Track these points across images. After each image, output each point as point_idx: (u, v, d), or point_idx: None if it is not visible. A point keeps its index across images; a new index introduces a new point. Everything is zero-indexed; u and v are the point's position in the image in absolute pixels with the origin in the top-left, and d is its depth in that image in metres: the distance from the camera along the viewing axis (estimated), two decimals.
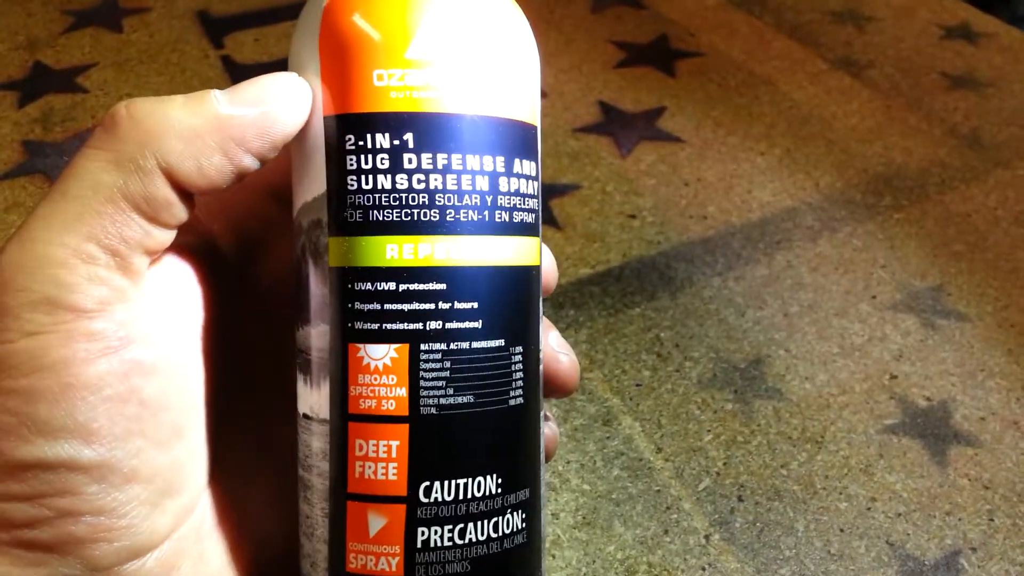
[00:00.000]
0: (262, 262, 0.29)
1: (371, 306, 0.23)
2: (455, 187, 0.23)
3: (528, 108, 0.25)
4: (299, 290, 0.25)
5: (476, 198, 0.23)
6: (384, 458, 0.23)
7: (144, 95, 0.79)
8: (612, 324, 0.63)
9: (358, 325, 0.23)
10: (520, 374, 0.24)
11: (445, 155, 0.23)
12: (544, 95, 0.87)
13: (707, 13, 1.01)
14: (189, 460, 0.25)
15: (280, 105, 0.23)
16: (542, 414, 0.26)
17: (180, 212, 0.23)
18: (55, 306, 0.21)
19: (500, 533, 0.24)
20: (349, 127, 0.23)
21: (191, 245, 0.26)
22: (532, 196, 0.24)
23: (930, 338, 0.62)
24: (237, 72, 0.87)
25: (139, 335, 0.23)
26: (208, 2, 0.99)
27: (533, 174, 0.24)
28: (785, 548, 0.50)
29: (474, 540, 0.23)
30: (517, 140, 0.24)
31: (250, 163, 0.23)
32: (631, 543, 0.50)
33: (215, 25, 0.95)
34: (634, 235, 0.71)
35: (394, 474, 0.23)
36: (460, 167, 0.23)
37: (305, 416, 0.25)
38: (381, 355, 0.23)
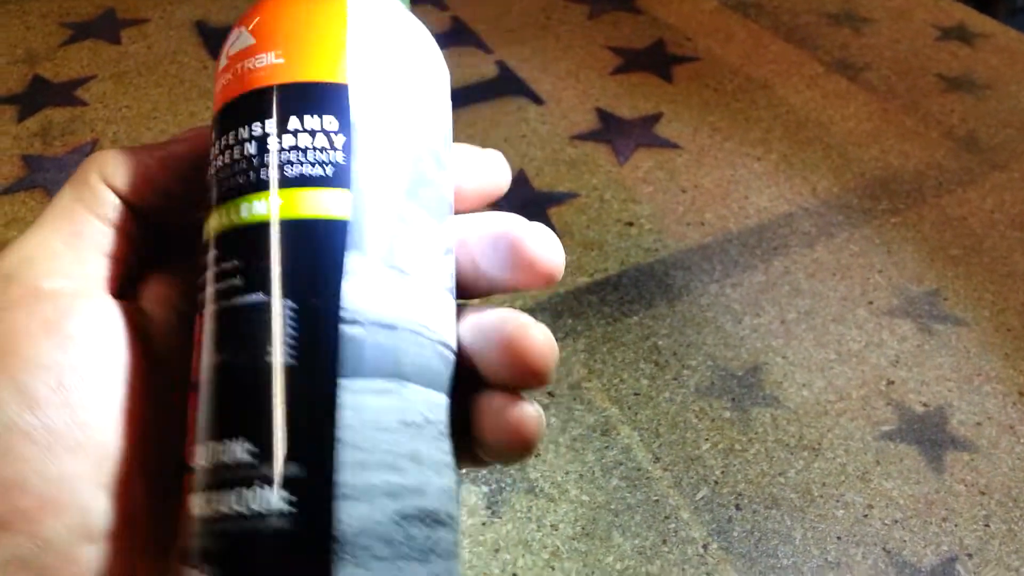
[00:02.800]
0: None
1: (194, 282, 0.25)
2: (229, 160, 0.24)
3: (321, 68, 0.25)
4: None
5: (244, 163, 0.24)
6: (186, 426, 0.24)
7: (143, 107, 0.79)
8: (610, 333, 0.64)
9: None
10: (291, 331, 0.22)
11: (225, 136, 0.24)
12: (542, 102, 0.87)
13: (703, 17, 1.02)
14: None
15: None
16: (360, 388, 0.22)
17: (130, 219, 0.26)
18: (11, 281, 0.24)
19: (245, 508, 0.21)
20: None
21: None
22: (325, 148, 0.24)
23: (927, 343, 0.63)
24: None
25: (86, 323, 0.24)
26: (206, 12, 1.00)
27: (331, 127, 0.24)
28: (783, 556, 0.50)
29: (219, 513, 0.22)
30: (291, 101, 0.24)
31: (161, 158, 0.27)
32: (630, 553, 0.50)
33: (213, 35, 0.96)
34: (632, 243, 0.71)
35: (186, 442, 0.23)
36: (233, 141, 0.24)
37: None
38: (195, 328, 0.24)
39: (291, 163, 0.23)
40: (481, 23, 0.98)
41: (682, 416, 0.58)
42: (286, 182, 0.23)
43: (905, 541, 0.51)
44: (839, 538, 0.51)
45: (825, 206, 0.75)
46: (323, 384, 0.22)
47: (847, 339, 0.63)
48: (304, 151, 0.24)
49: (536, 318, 0.26)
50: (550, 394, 0.59)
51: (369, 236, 0.23)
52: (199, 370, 0.23)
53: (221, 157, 0.24)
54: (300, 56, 0.25)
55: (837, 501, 0.53)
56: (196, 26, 0.97)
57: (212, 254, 0.24)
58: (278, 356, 0.22)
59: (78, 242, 0.25)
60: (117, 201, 0.26)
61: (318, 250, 0.23)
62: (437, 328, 0.24)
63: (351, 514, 0.22)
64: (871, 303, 0.66)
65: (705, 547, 0.50)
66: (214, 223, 0.24)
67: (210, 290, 0.23)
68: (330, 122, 0.24)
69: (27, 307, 0.24)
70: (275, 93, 0.24)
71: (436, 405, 0.24)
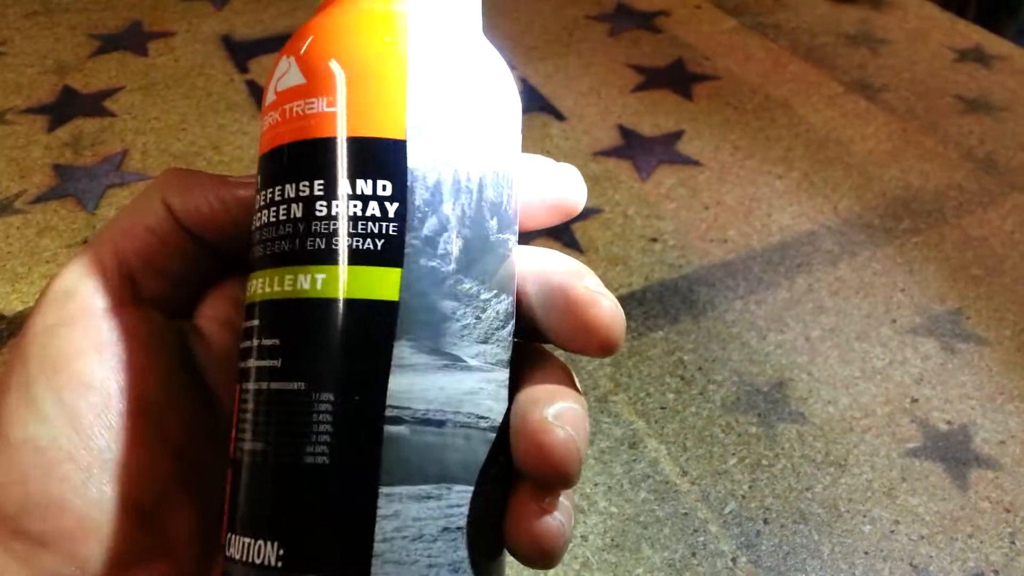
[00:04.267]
0: None
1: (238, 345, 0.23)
2: (273, 219, 0.22)
3: (377, 120, 0.21)
4: None
5: (289, 227, 0.21)
6: (225, 503, 0.23)
7: (171, 118, 0.81)
8: (636, 347, 0.64)
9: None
10: (326, 427, 0.20)
11: (271, 189, 0.22)
12: (564, 119, 0.88)
13: (722, 37, 1.03)
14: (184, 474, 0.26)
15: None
16: (401, 495, 0.20)
17: (185, 241, 0.26)
18: (69, 298, 0.24)
19: None
20: None
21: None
22: (376, 219, 0.21)
23: (950, 362, 0.63)
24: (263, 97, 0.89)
25: (138, 346, 0.25)
26: (232, 26, 1.01)
27: (384, 192, 0.21)
28: (811, 571, 0.50)
29: None
30: (348, 157, 0.21)
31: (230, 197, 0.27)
32: (659, 566, 0.51)
33: (239, 49, 0.97)
34: (656, 258, 0.72)
35: (224, 520, 0.22)
36: (279, 197, 0.22)
37: None
38: (233, 397, 0.23)
39: (338, 235, 0.21)
40: (504, 39, 0.99)
41: (708, 430, 0.58)
42: (332, 256, 0.21)
43: (932, 557, 0.51)
44: (866, 553, 0.51)
45: (847, 225, 0.76)
46: (361, 490, 0.20)
47: (871, 357, 0.64)
48: (354, 220, 0.21)
49: None
50: None
51: (420, 320, 0.21)
52: (236, 449, 0.22)
53: (265, 213, 0.22)
54: (354, 105, 0.21)
55: (864, 517, 0.53)
56: (222, 40, 0.98)
57: (254, 324, 0.22)
58: (319, 456, 0.20)
59: (136, 261, 0.25)
60: (175, 222, 0.26)
61: (363, 337, 0.20)
62: (489, 414, 0.22)
63: None
64: (894, 321, 0.66)
65: (734, 560, 0.51)
66: (257, 288, 0.22)
67: (252, 364, 0.21)
68: (383, 187, 0.21)
69: (81, 325, 0.24)
70: (325, 149, 0.21)
71: (480, 502, 0.21)
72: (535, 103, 0.90)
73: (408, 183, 0.21)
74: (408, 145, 0.21)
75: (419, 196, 0.21)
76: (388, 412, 0.20)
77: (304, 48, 0.22)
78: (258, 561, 0.20)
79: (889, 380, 0.62)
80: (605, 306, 0.23)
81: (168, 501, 0.25)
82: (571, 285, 0.23)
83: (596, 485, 0.55)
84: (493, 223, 0.22)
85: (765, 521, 0.53)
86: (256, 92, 0.90)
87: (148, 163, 0.80)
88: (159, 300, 0.26)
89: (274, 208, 0.22)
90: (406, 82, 0.22)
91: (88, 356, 0.24)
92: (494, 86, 0.23)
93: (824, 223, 0.76)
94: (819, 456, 0.57)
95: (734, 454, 0.57)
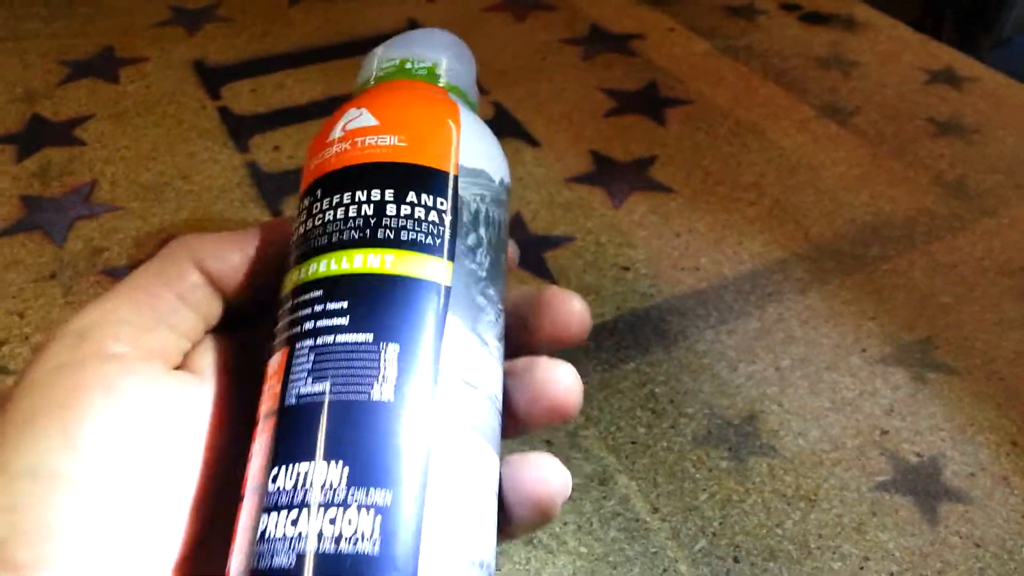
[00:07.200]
0: None
1: (277, 324, 0.27)
2: (342, 216, 0.27)
3: (437, 157, 0.28)
4: None
5: (360, 221, 0.27)
6: (259, 452, 0.24)
7: (142, 147, 0.80)
8: (607, 379, 0.64)
9: (269, 343, 0.27)
10: (394, 371, 0.24)
11: (339, 194, 0.27)
12: (537, 145, 0.88)
13: (695, 59, 1.03)
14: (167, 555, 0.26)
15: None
16: (449, 435, 0.24)
17: (211, 301, 0.28)
18: (82, 339, 0.25)
19: (337, 532, 0.22)
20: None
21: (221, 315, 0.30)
22: (434, 223, 0.27)
23: (920, 392, 0.63)
24: (234, 123, 0.88)
25: (140, 388, 0.25)
26: (204, 52, 1.00)
27: (441, 207, 0.27)
28: None
29: (305, 533, 0.22)
30: (411, 178, 0.28)
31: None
32: None
33: (212, 75, 0.96)
34: (628, 288, 0.72)
35: (259, 467, 0.24)
36: (349, 201, 0.27)
37: None
38: (273, 361, 0.26)
39: (406, 229, 0.26)
40: (477, 64, 0.99)
41: (680, 465, 0.58)
42: (401, 244, 0.26)
43: None
44: None
45: (817, 251, 0.76)
46: (420, 423, 0.24)
47: (841, 387, 0.64)
48: (419, 221, 0.27)
49: None
50: (548, 442, 0.60)
51: (464, 304, 0.26)
52: (287, 397, 0.25)
53: (331, 212, 0.27)
54: (420, 144, 0.28)
55: (834, 553, 0.53)
56: (194, 66, 0.98)
57: (313, 295, 0.26)
58: (387, 394, 0.24)
59: (150, 314, 0.27)
60: (201, 282, 0.28)
61: (421, 305, 0.26)
62: (501, 400, 0.27)
63: (433, 546, 0.23)
64: (864, 351, 0.67)
65: None
66: (320, 268, 0.26)
67: (307, 326, 0.25)
68: (441, 203, 0.27)
69: (91, 366, 0.25)
70: (397, 169, 0.28)
71: (496, 471, 0.26)
72: (508, 129, 0.90)
73: (458, 205, 0.27)
74: (459, 179, 0.28)
75: (465, 216, 0.27)
76: (439, 366, 0.25)
77: (376, 103, 0.29)
78: (319, 482, 0.23)
79: (859, 411, 0.62)
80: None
81: (166, 534, 0.25)
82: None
83: (566, 524, 0.55)
84: (503, 258, 0.29)
85: (735, 559, 0.53)
86: (228, 119, 0.89)
87: (117, 194, 0.79)
88: (164, 353, 0.27)
89: (342, 208, 0.27)
90: (458, 137, 0.29)
91: (94, 394, 0.24)
92: (500, 155, 0.31)
93: (795, 250, 0.76)
94: (789, 491, 0.57)
95: (705, 490, 0.57)
